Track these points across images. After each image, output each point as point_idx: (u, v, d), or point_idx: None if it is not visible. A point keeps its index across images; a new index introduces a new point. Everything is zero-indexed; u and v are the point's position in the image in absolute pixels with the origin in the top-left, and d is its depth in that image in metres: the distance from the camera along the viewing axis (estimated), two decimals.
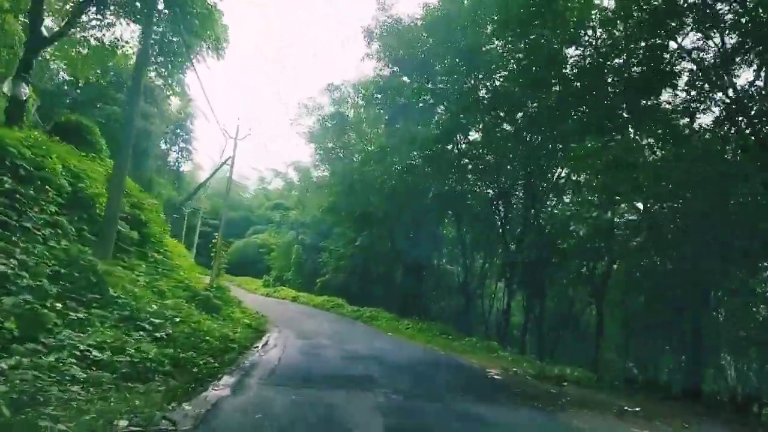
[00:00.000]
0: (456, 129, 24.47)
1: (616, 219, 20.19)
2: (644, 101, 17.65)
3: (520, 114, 21.57)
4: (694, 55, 15.76)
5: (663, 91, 17.27)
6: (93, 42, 18.28)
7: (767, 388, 14.73)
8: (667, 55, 16.57)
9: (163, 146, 53.71)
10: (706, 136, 16.01)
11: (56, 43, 17.37)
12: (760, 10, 13.92)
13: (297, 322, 20.70)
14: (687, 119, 17.16)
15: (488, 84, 21.34)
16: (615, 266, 21.08)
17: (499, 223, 26.59)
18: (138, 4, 17.42)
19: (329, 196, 34.70)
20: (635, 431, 8.44)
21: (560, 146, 21.07)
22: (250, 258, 58.63)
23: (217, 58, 20.03)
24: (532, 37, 17.49)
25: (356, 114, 28.23)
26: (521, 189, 25.05)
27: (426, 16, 20.88)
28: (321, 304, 32.19)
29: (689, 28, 15.63)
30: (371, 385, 9.14)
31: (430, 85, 22.31)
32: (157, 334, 9.45)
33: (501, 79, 20.60)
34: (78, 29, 17.71)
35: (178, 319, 10.72)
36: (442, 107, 24.74)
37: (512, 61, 19.41)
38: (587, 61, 17.44)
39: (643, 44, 16.91)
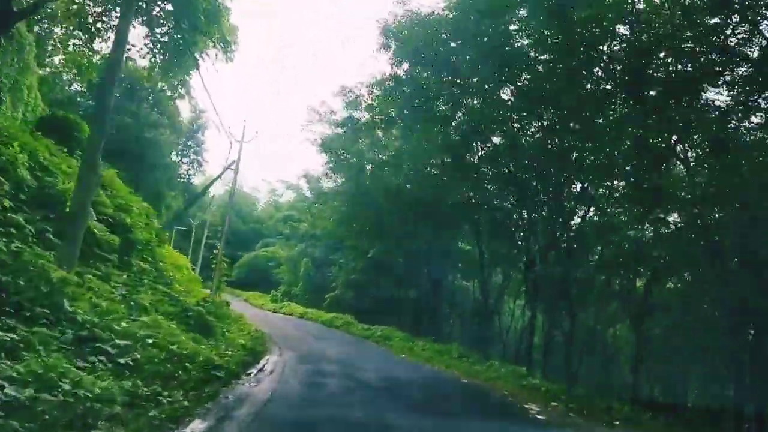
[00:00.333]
0: (476, 133, 22.69)
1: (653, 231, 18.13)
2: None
3: (548, 114, 19.72)
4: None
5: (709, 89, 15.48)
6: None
7: None
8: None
9: (174, 158, 52.87)
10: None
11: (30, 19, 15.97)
12: None
13: (301, 343, 18.94)
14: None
15: (516, 81, 19.63)
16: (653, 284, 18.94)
17: (521, 235, 24.82)
18: None
19: (341, 206, 33.30)
20: None
21: (589, 145, 19.01)
22: (259, 272, 57.22)
23: (226, 60, 18.77)
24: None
25: (370, 118, 26.68)
26: (547, 198, 23.03)
27: (448, 5, 19.26)
28: (329, 321, 30.95)
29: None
30: None
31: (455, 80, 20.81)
32: (121, 360, 7.61)
33: (530, 75, 18.83)
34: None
35: (151, 341, 8.84)
36: (461, 112, 23.06)
37: (546, 53, 17.68)
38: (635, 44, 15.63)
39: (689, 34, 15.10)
